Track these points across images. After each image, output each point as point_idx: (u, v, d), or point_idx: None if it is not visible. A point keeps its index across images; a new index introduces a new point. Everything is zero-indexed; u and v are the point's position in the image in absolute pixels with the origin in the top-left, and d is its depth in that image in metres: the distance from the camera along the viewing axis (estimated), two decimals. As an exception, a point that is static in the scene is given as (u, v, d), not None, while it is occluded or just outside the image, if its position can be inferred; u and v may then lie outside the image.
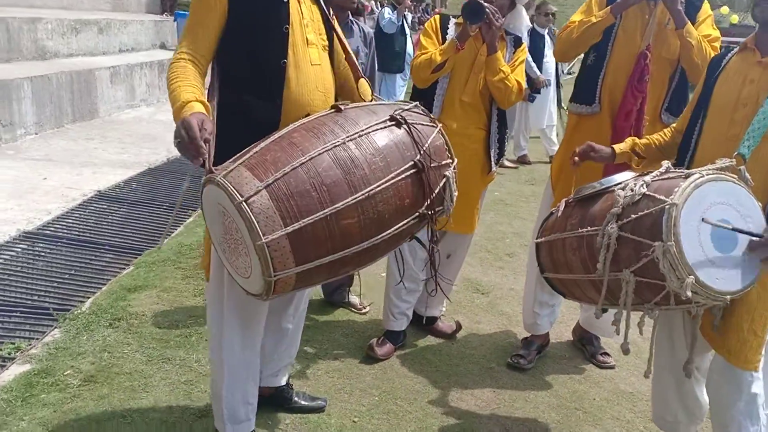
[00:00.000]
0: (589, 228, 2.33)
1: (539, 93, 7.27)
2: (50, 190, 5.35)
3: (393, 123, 2.09)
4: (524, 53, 3.32)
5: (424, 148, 2.10)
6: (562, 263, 2.52)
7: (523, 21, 3.37)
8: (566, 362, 3.49)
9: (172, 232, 4.73)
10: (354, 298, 3.88)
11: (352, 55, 2.51)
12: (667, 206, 2.07)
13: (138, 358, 3.09)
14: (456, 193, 2.23)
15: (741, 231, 2.13)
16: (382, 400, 2.97)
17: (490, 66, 3.15)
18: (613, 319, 2.37)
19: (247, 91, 2.19)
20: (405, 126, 2.10)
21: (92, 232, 4.64)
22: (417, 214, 2.12)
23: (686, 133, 2.56)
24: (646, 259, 2.11)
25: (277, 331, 2.65)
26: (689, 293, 2.01)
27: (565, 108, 3.49)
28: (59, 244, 4.35)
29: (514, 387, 3.20)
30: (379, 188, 1.97)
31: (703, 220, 2.07)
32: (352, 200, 1.92)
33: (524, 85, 3.27)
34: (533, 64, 7.16)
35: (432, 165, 2.12)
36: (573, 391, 3.21)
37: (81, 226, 4.71)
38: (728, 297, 2.09)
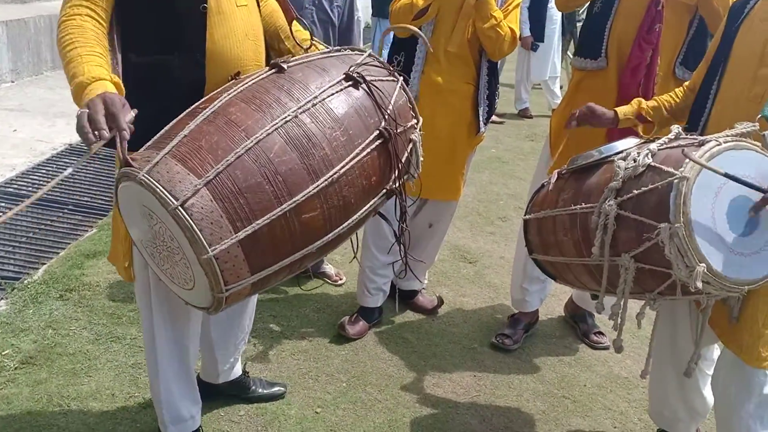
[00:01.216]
0: (583, 205, 2.00)
1: (543, 41, 6.81)
2: (19, 143, 5.02)
3: (350, 83, 1.75)
4: None
5: (389, 111, 1.78)
6: (553, 244, 2.20)
7: (515, -39, 2.96)
8: (556, 341, 3.21)
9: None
10: (329, 269, 3.59)
11: None
12: (675, 180, 1.74)
13: (85, 336, 2.82)
14: (422, 158, 1.93)
15: (738, 180, 1.75)
16: (351, 386, 2.70)
17: (480, 11, 2.76)
18: (611, 311, 2.06)
19: (160, 47, 1.80)
20: (364, 86, 1.76)
21: (58, 190, 4.32)
22: (384, 191, 1.82)
23: (700, 92, 2.19)
24: (649, 242, 1.78)
25: (223, 321, 2.35)
26: (699, 284, 1.69)
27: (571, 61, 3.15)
28: (21, 203, 4.04)
29: (497, 370, 2.93)
30: (343, 170, 1.66)
31: (726, 175, 1.70)
32: (313, 189, 1.61)
33: (518, 32, 2.89)
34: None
35: (398, 130, 1.80)
36: (562, 376, 2.94)
37: (47, 184, 4.38)
38: (746, 288, 1.77)
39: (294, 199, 1.58)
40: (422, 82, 2.90)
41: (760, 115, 1.93)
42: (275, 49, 2.11)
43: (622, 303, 1.98)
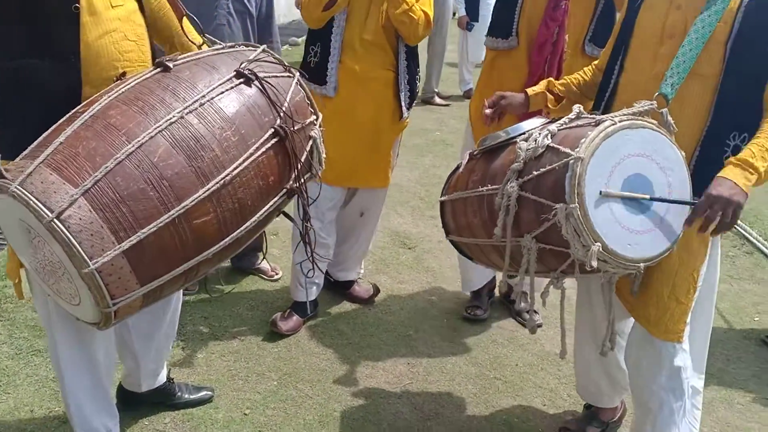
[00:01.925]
0: (489, 186, 2.00)
1: (477, 21, 6.79)
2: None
3: (241, 80, 1.69)
4: None
5: (284, 109, 1.73)
6: (465, 226, 2.20)
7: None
8: (491, 322, 3.22)
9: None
10: (265, 264, 3.54)
11: None
12: (571, 161, 1.74)
13: (5, 351, 2.74)
14: (324, 155, 1.90)
15: (665, 200, 1.81)
16: (282, 384, 2.68)
17: None
18: (515, 291, 2.07)
19: (29, 52, 1.71)
20: (256, 83, 1.71)
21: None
22: (285, 190, 1.78)
23: (606, 72, 2.20)
24: (548, 223, 1.79)
25: (144, 328, 2.27)
26: (594, 263, 1.70)
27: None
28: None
29: (431, 356, 2.93)
30: (236, 171, 1.60)
31: (601, 193, 1.73)
32: (203, 193, 1.54)
33: (432, 14, 2.86)
34: None
35: (295, 128, 1.76)
36: (494, 357, 2.95)
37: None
38: (642, 264, 1.79)
39: (183, 205, 1.51)
40: (340, 72, 2.86)
41: (657, 93, 1.94)
42: (174, 48, 2.05)
43: (527, 283, 1.99)
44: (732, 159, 1.80)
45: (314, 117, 1.85)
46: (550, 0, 2.68)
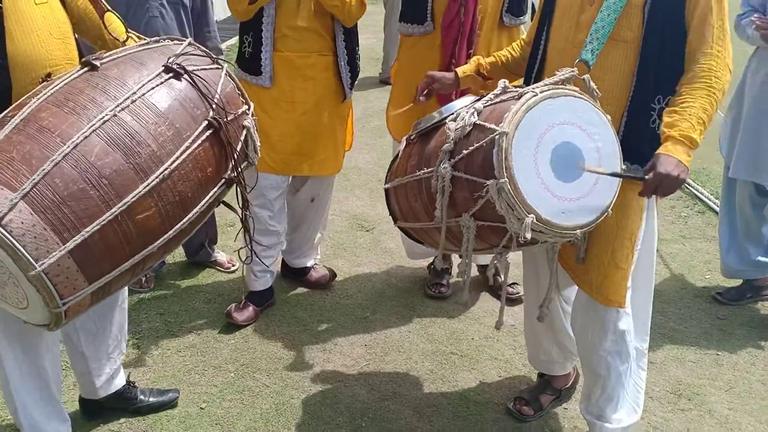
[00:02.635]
0: (425, 169, 2.01)
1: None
2: None
3: (171, 75, 1.71)
4: None
5: (216, 101, 1.75)
6: (408, 211, 2.21)
7: None
8: (447, 299, 3.24)
9: None
10: (221, 256, 3.52)
11: None
12: (496, 137, 1.75)
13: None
14: (259, 143, 1.92)
15: (620, 175, 1.84)
16: (239, 376, 2.68)
17: None
18: (458, 270, 2.08)
19: None
20: (186, 76, 1.73)
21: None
22: (223, 180, 1.80)
23: (533, 44, 2.21)
24: (482, 200, 1.81)
25: (92, 331, 2.25)
26: (528, 235, 1.72)
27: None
28: None
29: (388, 336, 2.95)
30: (174, 165, 1.62)
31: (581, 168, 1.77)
32: (144, 189, 1.57)
33: None
34: None
35: (228, 119, 1.78)
36: (451, 333, 2.98)
37: None
38: (578, 231, 1.81)
39: (123, 201, 1.53)
40: (276, 61, 2.83)
41: (578, 60, 1.95)
42: (106, 46, 2.02)
43: (467, 261, 2.01)
44: (674, 134, 1.82)
45: (246, 107, 1.87)
46: None
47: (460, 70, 2.38)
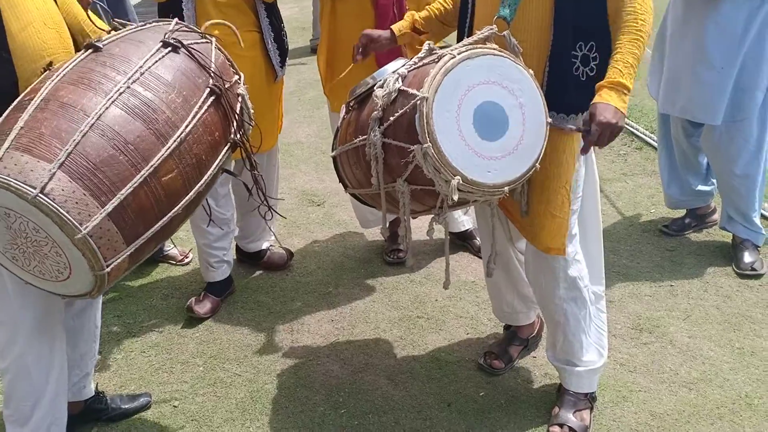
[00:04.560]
0: (361, 137, 2.00)
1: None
2: None
3: (169, 49, 1.83)
4: None
5: (213, 70, 1.88)
6: (352, 178, 2.20)
7: None
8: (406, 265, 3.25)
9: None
10: (173, 250, 3.44)
11: None
12: (417, 102, 1.76)
13: None
14: (253, 110, 2.07)
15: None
16: (208, 369, 2.65)
17: None
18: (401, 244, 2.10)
19: None
20: (183, 50, 1.85)
21: None
22: (229, 143, 1.94)
23: (461, 1, 2.19)
24: (411, 165, 1.82)
25: (70, 330, 2.21)
26: (456, 197, 1.74)
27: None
28: None
29: (353, 309, 2.96)
30: (188, 128, 1.76)
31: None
32: (166, 151, 1.70)
33: None
34: None
35: (226, 86, 1.91)
36: (414, 297, 3.01)
37: None
38: (506, 188, 1.83)
39: (150, 164, 1.65)
40: None
41: (496, 17, 1.95)
42: (80, 38, 2.06)
43: (406, 224, 2.03)
44: (605, 82, 1.84)
45: (237, 77, 2.00)
46: None
47: (395, 27, 2.36)
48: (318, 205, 3.94)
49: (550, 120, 1.91)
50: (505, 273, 2.46)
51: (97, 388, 2.41)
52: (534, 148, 1.86)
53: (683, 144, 3.30)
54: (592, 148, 2.14)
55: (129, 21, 3.07)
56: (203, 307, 2.95)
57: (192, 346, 2.78)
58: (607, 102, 1.81)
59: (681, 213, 3.45)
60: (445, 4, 2.34)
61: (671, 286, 3.00)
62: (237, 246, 3.32)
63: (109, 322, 2.94)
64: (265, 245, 3.33)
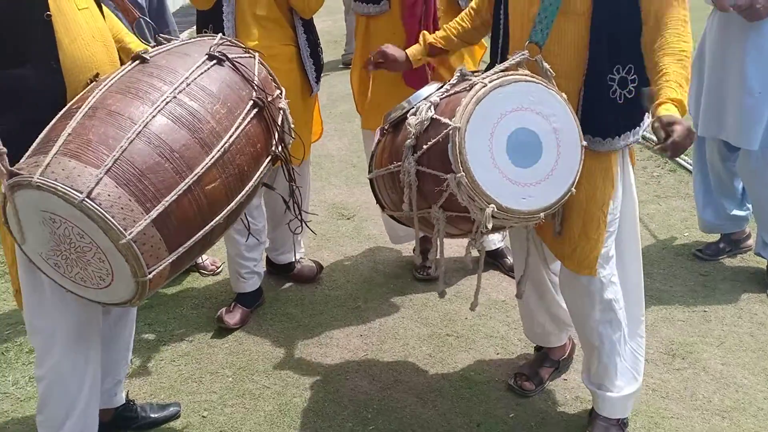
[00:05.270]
0: (395, 163, 2.01)
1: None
2: None
3: (214, 62, 1.87)
4: None
5: (256, 83, 1.91)
6: (389, 202, 2.21)
7: None
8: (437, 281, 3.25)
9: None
10: (203, 259, 3.47)
11: None
12: (450, 131, 1.76)
13: None
14: (293, 125, 2.09)
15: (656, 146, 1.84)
16: (237, 380, 2.66)
17: None
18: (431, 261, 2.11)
19: (10, 62, 1.78)
20: (228, 63, 1.88)
21: None
22: (270, 156, 1.96)
23: (494, 22, 2.21)
24: (446, 193, 1.83)
25: (106, 338, 2.22)
26: (491, 225, 1.75)
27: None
28: None
29: (382, 324, 2.95)
30: (231, 139, 1.78)
31: None
32: (210, 160, 1.71)
33: None
34: None
35: (269, 99, 1.94)
36: (444, 314, 2.99)
37: None
38: (542, 214, 1.83)
39: (195, 173, 1.67)
40: None
41: (528, 41, 1.95)
42: (122, 52, 2.11)
43: (439, 250, 2.03)
44: (665, 99, 1.79)
45: (279, 91, 2.03)
46: None
47: (410, 52, 2.39)
48: (348, 219, 3.95)
49: (585, 143, 1.90)
50: (537, 294, 2.44)
51: (127, 395, 2.43)
52: (569, 173, 1.85)
53: (719, 168, 3.27)
54: (630, 168, 2.13)
55: (171, 34, 3.21)
56: (233, 318, 2.97)
57: (221, 357, 2.79)
58: (671, 113, 1.72)
59: (715, 237, 3.40)
60: (463, 23, 2.36)
61: (705, 311, 2.95)
62: (267, 257, 3.34)
63: (141, 329, 2.97)
64: (294, 258, 3.35)
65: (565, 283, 2.21)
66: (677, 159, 4.33)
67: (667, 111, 1.77)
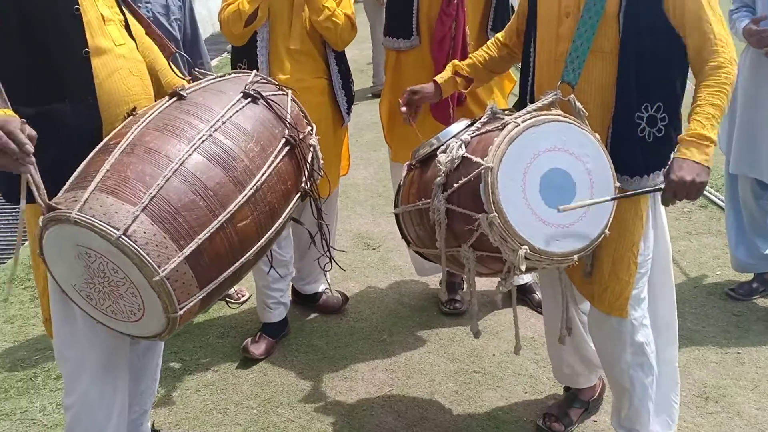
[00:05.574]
0: (423, 200, 2.01)
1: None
2: None
3: (249, 100, 1.89)
4: None
5: (289, 121, 1.93)
6: (415, 238, 2.20)
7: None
8: (463, 315, 3.22)
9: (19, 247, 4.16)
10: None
11: (155, 28, 2.19)
12: (482, 171, 1.75)
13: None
14: (323, 161, 2.10)
15: (638, 193, 1.86)
16: (262, 411, 2.64)
17: (312, 4, 2.69)
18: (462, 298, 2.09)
19: (48, 97, 1.81)
20: (262, 101, 1.91)
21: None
22: (299, 192, 1.97)
23: (523, 57, 2.22)
24: (477, 232, 1.81)
25: (133, 368, 2.22)
26: (523, 266, 1.72)
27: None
28: None
29: (408, 359, 2.93)
30: (264, 177, 1.80)
31: (558, 210, 1.75)
32: (243, 198, 1.73)
33: (355, 17, 2.83)
34: None
35: (300, 137, 1.95)
36: (471, 350, 2.96)
37: None
38: (575, 256, 1.80)
39: (228, 210, 1.69)
40: None
41: (560, 81, 1.95)
42: (159, 85, 2.14)
43: (471, 290, 2.02)
44: (685, 135, 1.81)
45: (310, 128, 2.05)
46: None
47: (438, 78, 2.38)
48: (373, 249, 3.94)
49: (618, 185, 1.88)
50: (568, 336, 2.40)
51: (153, 425, 2.42)
52: (603, 215, 1.83)
53: (752, 206, 3.21)
54: (661, 208, 2.11)
55: (205, 67, 3.27)
56: (258, 348, 2.96)
57: (246, 388, 2.78)
58: (685, 157, 1.77)
59: (748, 276, 3.34)
60: (490, 52, 2.36)
61: (738, 353, 2.89)
62: (293, 287, 3.34)
63: (167, 357, 2.97)
64: (320, 287, 3.34)
65: (595, 324, 2.18)
66: (708, 195, 4.28)
67: (680, 154, 1.79)
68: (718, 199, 4.13)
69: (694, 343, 2.94)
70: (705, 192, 4.29)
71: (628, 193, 1.88)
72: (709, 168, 1.78)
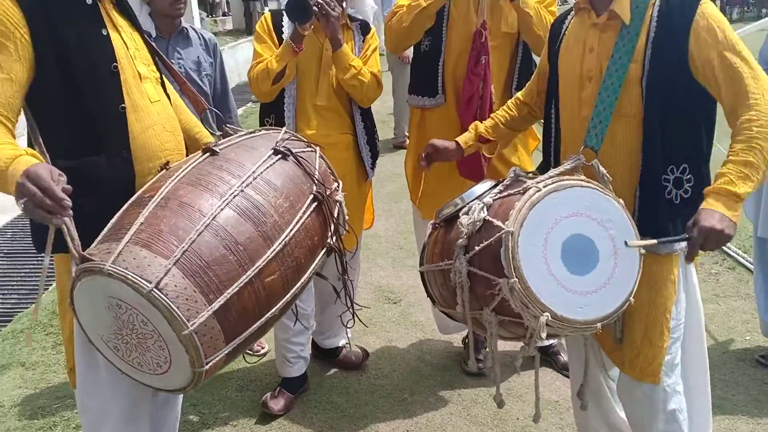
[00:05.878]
0: (446, 261, 1.99)
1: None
2: None
3: (279, 156, 1.93)
4: (375, 39, 2.95)
5: (317, 177, 1.96)
6: (439, 297, 2.18)
7: (366, 2, 2.96)
8: (487, 376, 3.16)
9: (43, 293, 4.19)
10: (250, 339, 3.46)
11: (189, 85, 2.26)
12: (503, 235, 1.73)
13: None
14: (348, 216, 2.12)
15: (667, 240, 1.83)
16: (279, 470, 2.59)
17: (339, 63, 2.74)
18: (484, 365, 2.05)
19: (84, 150, 1.86)
20: (292, 157, 1.94)
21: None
22: (325, 248, 1.98)
23: (545, 119, 2.24)
24: (498, 297, 1.78)
25: (153, 420, 2.21)
26: (544, 334, 1.68)
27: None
28: None
29: (430, 420, 2.86)
30: (292, 232, 1.81)
31: (627, 244, 1.74)
32: (271, 254, 1.74)
33: (381, 75, 2.88)
34: None
35: (328, 193, 1.99)
36: (494, 413, 2.89)
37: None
38: (598, 324, 1.76)
39: (256, 265, 1.69)
40: None
41: (583, 147, 1.94)
42: (189, 140, 2.20)
43: (493, 356, 1.98)
44: (712, 188, 1.78)
45: (336, 184, 2.08)
46: (471, 56, 2.75)
47: (461, 140, 2.39)
48: (395, 303, 3.91)
49: (644, 252, 1.85)
50: (594, 400, 2.34)
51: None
52: (627, 282, 1.80)
53: (781, 270, 3.16)
54: (693, 272, 2.07)
55: (233, 120, 3.33)
56: (278, 404, 2.92)
57: (264, 445, 2.74)
58: (711, 208, 1.72)
59: (779, 343, 3.25)
60: (511, 111, 2.37)
61: (771, 424, 2.79)
62: (313, 341, 3.31)
63: (186, 410, 2.94)
64: (341, 342, 3.31)
65: (625, 391, 2.12)
66: (736, 256, 4.21)
67: (707, 205, 1.74)
68: (746, 261, 4.07)
69: (725, 412, 2.85)
70: (732, 254, 4.25)
71: (662, 239, 1.84)
72: (736, 224, 1.74)
